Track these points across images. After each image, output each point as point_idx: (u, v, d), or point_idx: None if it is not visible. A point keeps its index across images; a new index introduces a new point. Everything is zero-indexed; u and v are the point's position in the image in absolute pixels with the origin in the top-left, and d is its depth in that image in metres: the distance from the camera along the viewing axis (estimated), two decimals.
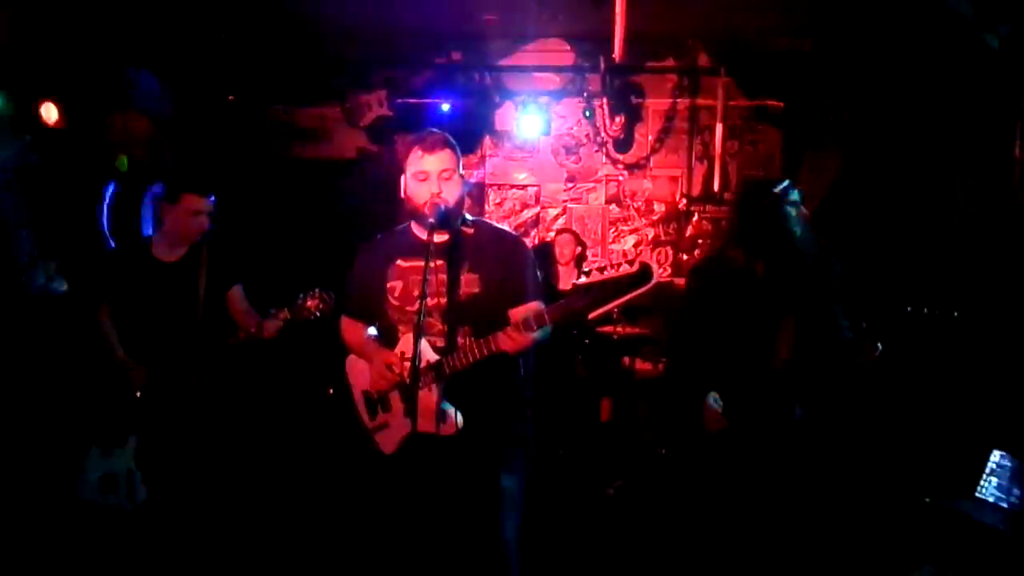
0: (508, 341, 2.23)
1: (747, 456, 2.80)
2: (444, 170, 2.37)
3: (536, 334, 2.22)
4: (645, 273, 2.04)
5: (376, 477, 2.57)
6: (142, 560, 3.30)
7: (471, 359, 2.30)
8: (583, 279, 2.10)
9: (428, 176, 2.36)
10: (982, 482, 3.27)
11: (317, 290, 3.19)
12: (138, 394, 3.27)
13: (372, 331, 2.62)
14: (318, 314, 3.16)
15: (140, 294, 3.32)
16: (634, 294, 2.05)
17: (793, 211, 2.79)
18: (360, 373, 2.58)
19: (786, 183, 2.80)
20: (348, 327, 2.68)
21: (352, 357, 2.64)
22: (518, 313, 2.34)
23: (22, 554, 3.38)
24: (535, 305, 2.39)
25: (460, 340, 2.39)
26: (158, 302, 3.31)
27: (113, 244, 4.93)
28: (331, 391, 2.73)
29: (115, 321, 3.38)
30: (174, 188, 3.33)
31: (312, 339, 3.25)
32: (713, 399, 2.82)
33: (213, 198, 3.34)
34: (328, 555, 3.66)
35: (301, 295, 3.22)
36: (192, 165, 3.20)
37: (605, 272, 2.08)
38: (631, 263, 2.06)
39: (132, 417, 3.32)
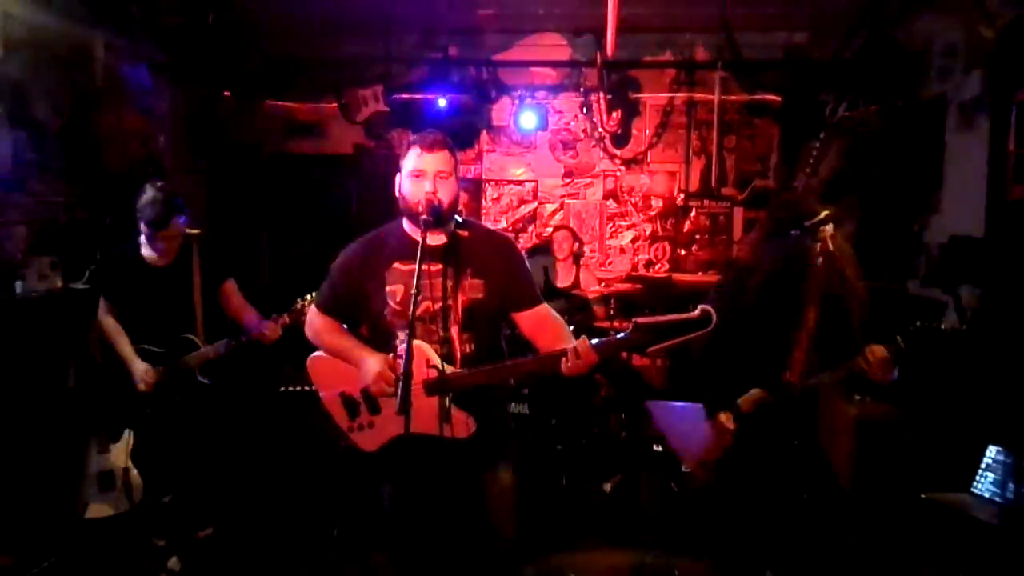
0: (576, 361, 2.16)
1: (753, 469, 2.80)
2: (441, 171, 2.32)
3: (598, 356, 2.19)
4: (706, 319, 2.09)
5: (363, 472, 2.53)
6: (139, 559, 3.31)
7: (501, 379, 2.31)
8: (643, 318, 2.13)
9: (424, 175, 2.31)
10: (978, 477, 3.27)
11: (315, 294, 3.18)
12: (141, 387, 3.30)
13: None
14: None
15: (137, 298, 3.38)
16: (691, 336, 2.10)
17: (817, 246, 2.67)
18: (334, 373, 2.46)
19: (821, 217, 2.66)
20: (325, 325, 2.51)
21: (319, 356, 2.51)
22: (532, 317, 2.39)
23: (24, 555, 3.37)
24: (550, 313, 2.43)
25: (463, 347, 2.33)
26: (155, 305, 3.37)
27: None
28: None
29: (121, 322, 3.43)
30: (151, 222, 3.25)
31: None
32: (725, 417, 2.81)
33: (183, 219, 3.31)
34: (326, 553, 3.66)
35: (300, 300, 3.23)
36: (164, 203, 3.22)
37: (665, 313, 2.13)
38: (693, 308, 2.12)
39: (130, 412, 3.35)
